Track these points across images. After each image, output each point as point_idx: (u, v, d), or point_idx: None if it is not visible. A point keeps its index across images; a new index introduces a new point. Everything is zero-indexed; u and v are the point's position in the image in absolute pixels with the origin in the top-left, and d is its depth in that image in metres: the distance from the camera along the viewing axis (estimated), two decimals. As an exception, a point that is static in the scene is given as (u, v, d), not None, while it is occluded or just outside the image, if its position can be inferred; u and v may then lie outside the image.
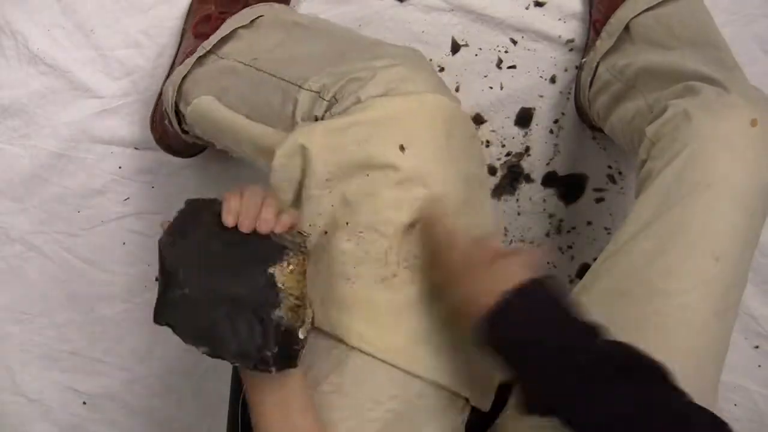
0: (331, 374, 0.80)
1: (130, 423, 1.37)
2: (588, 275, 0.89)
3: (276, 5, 1.08)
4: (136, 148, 1.25)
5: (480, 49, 1.23)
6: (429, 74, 0.83)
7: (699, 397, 0.79)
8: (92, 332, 1.32)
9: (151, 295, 1.29)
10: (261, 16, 1.02)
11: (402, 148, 0.78)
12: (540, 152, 1.28)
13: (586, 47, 1.20)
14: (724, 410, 1.32)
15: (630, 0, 1.07)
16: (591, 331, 0.72)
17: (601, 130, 1.23)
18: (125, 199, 1.27)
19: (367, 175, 0.80)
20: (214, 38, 1.03)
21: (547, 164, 1.28)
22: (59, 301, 1.31)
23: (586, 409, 0.68)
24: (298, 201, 0.84)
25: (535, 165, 1.28)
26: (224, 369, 1.32)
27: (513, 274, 0.73)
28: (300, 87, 0.87)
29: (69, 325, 1.32)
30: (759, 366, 1.31)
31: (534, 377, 0.71)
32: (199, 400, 1.37)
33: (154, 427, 1.37)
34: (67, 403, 1.34)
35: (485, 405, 0.88)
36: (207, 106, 0.98)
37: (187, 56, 1.06)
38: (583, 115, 1.22)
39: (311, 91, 0.86)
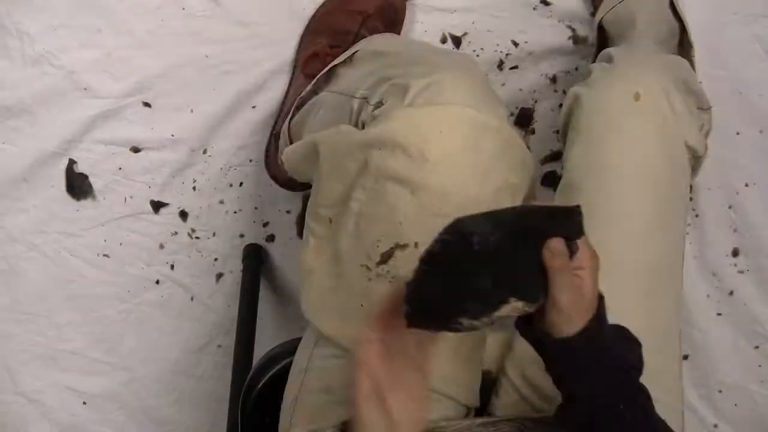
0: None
1: (130, 423, 1.37)
2: None
3: (376, 37, 1.07)
4: (136, 149, 1.25)
5: (482, 49, 1.23)
6: (467, 86, 0.80)
7: (650, 382, 0.79)
8: (92, 332, 1.32)
9: (151, 294, 1.31)
10: (357, 51, 1.01)
11: (421, 160, 0.77)
12: (540, 152, 1.28)
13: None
14: (724, 410, 1.32)
15: (604, 1, 1.08)
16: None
17: None
18: (125, 199, 1.27)
19: (383, 183, 0.79)
20: (313, 82, 1.03)
21: (547, 164, 1.28)
22: (59, 301, 1.31)
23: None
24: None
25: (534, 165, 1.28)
26: (224, 369, 1.33)
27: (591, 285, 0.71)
28: (352, 96, 0.88)
29: (69, 325, 1.32)
30: (759, 366, 1.31)
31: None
32: (199, 400, 1.37)
33: (153, 427, 1.37)
34: (67, 403, 1.34)
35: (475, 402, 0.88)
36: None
37: (298, 96, 1.07)
38: None
39: (360, 98, 0.87)
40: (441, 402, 0.83)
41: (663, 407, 0.80)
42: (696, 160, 0.87)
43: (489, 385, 0.89)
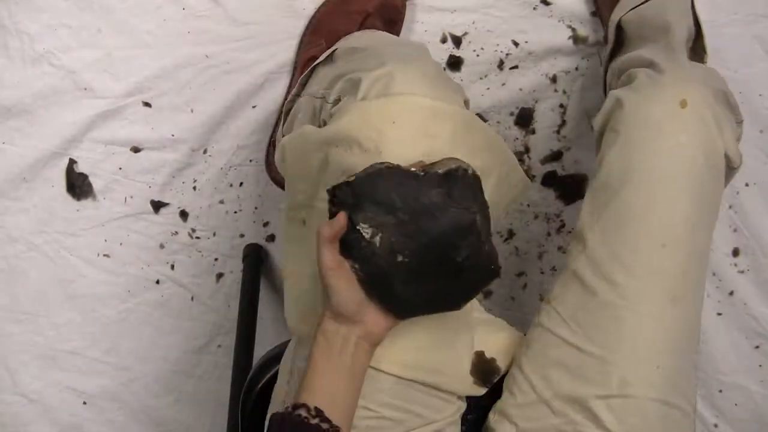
0: None
1: (130, 423, 1.37)
2: (561, 271, 0.90)
3: (354, 34, 1.07)
4: (136, 149, 1.25)
5: (482, 49, 1.23)
6: (418, 75, 0.81)
7: (670, 386, 0.79)
8: (92, 332, 1.32)
9: (151, 294, 1.31)
10: (336, 49, 1.02)
11: (376, 153, 0.78)
12: (540, 152, 1.28)
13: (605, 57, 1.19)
14: (724, 410, 1.32)
15: (622, 0, 1.07)
16: None
17: None
18: (125, 199, 1.27)
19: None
20: (298, 84, 1.04)
21: (547, 164, 1.28)
22: (59, 301, 1.31)
23: None
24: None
25: (535, 165, 1.28)
26: (224, 369, 1.33)
27: None
28: (314, 97, 0.89)
29: (69, 325, 1.32)
30: (759, 366, 1.31)
31: None
32: (199, 400, 1.37)
33: (153, 427, 1.38)
34: (67, 403, 1.34)
35: (478, 392, 0.88)
36: None
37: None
38: None
39: (320, 98, 0.88)
40: (421, 391, 0.82)
41: (679, 413, 0.81)
42: (730, 171, 0.87)
43: (493, 374, 0.89)
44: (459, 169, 0.74)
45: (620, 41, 1.08)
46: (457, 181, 0.74)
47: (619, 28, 1.07)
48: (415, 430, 0.82)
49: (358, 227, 0.73)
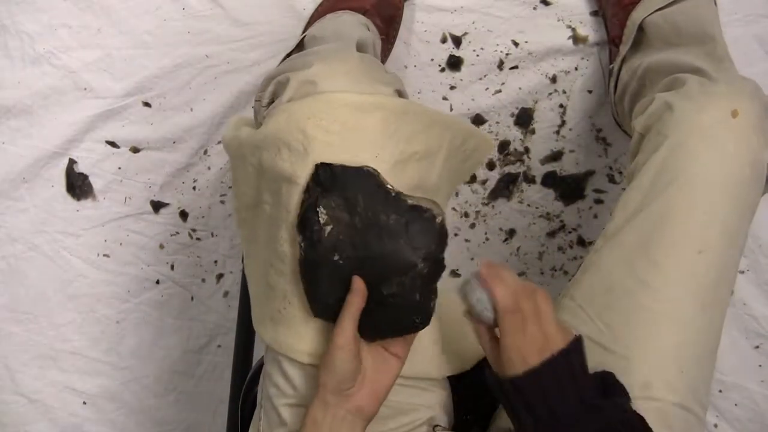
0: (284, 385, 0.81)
1: (130, 423, 1.37)
2: (579, 269, 0.90)
3: (320, 21, 1.07)
4: (136, 149, 1.25)
5: (482, 49, 1.23)
6: (342, 71, 0.80)
7: (690, 391, 0.79)
8: (92, 332, 1.32)
9: (151, 294, 1.31)
10: (305, 36, 1.02)
11: (304, 154, 0.77)
12: (540, 152, 1.28)
13: (611, 56, 1.19)
14: (724, 410, 1.32)
15: (644, 1, 1.07)
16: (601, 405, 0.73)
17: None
18: (125, 199, 1.27)
19: (278, 184, 0.79)
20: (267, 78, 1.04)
21: (547, 164, 1.28)
22: (59, 301, 1.31)
23: None
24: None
25: (535, 165, 1.28)
26: (224, 369, 1.33)
27: (552, 336, 0.73)
28: (255, 99, 0.89)
29: (69, 325, 1.32)
30: (759, 366, 1.31)
31: None
32: (199, 400, 1.37)
33: (153, 427, 1.38)
34: (67, 403, 1.34)
35: (462, 368, 0.88)
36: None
37: None
38: (617, 121, 1.21)
39: (256, 100, 0.87)
40: None
41: (694, 418, 0.81)
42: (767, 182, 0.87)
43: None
44: (428, 210, 0.74)
45: (636, 41, 1.08)
46: (419, 219, 0.74)
47: (640, 28, 1.06)
48: (394, 417, 0.82)
49: (318, 209, 0.74)
